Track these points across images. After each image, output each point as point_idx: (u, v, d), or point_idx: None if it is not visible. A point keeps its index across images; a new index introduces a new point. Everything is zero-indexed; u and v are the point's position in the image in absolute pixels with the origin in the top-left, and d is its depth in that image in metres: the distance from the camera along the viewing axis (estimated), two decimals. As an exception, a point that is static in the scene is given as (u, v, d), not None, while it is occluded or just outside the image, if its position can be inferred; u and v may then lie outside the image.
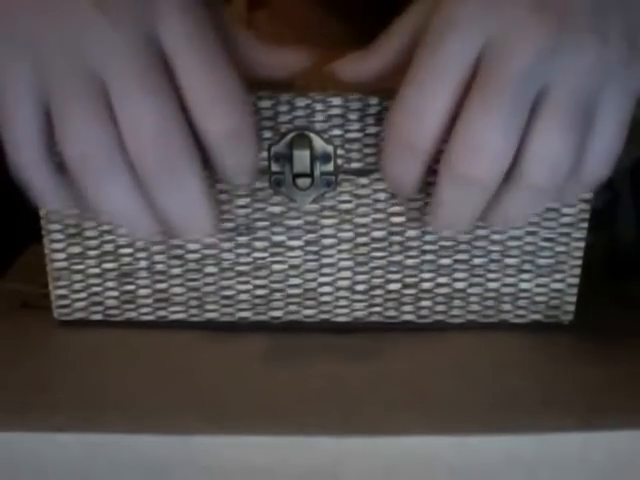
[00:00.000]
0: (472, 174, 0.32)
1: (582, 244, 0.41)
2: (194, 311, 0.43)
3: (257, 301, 0.42)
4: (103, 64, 0.32)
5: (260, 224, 0.41)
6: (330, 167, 0.40)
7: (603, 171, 0.34)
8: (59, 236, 0.41)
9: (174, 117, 0.32)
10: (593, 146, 0.33)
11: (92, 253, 0.42)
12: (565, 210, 0.41)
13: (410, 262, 0.42)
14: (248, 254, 0.42)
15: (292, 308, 0.43)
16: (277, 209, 0.41)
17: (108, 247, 0.41)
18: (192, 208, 0.34)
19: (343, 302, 0.43)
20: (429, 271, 0.42)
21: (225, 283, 0.42)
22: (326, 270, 0.42)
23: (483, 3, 0.32)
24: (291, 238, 0.41)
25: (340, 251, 0.41)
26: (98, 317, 0.43)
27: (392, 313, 0.43)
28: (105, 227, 0.41)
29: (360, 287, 0.42)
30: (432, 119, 0.33)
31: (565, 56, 0.32)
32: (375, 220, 0.41)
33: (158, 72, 0.32)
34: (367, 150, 0.39)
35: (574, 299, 0.43)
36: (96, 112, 0.32)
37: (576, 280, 0.42)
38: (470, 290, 0.42)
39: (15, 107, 0.33)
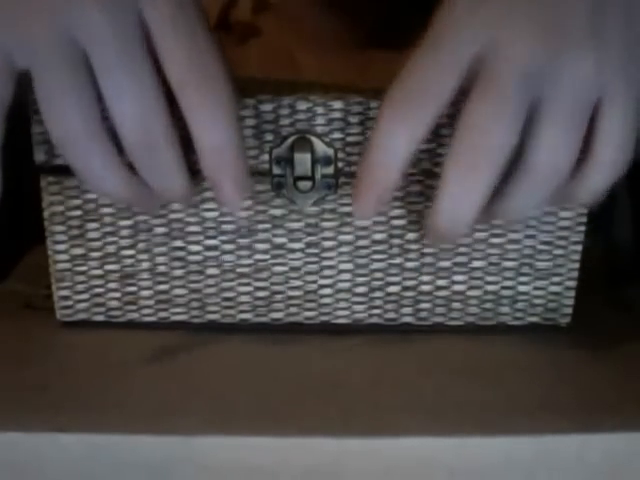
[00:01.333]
0: (478, 165, 0.32)
1: (580, 247, 0.42)
2: (195, 312, 0.43)
3: (258, 303, 0.43)
4: (86, 34, 0.32)
5: (261, 226, 0.41)
6: (331, 170, 0.40)
7: (609, 176, 0.34)
8: (62, 237, 0.41)
9: (153, 88, 0.33)
10: (597, 150, 0.33)
11: (94, 255, 0.42)
12: (563, 214, 0.41)
13: (410, 265, 0.42)
14: (249, 256, 0.42)
15: (293, 310, 0.43)
16: (278, 211, 0.41)
17: (110, 249, 0.42)
18: (168, 174, 0.34)
19: (343, 304, 0.43)
20: (428, 274, 0.42)
21: (226, 285, 0.42)
22: (326, 272, 0.42)
23: (477, 9, 0.33)
24: (292, 240, 0.42)
25: (340, 253, 0.42)
26: (100, 318, 0.43)
27: (391, 315, 0.43)
28: (108, 229, 0.41)
29: (360, 289, 0.43)
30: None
31: (564, 60, 0.32)
32: (375, 223, 0.41)
33: (140, 45, 0.33)
34: (368, 154, 0.40)
35: (572, 302, 0.43)
36: (77, 80, 0.33)
37: (574, 283, 0.43)
38: (469, 293, 0.43)
39: None
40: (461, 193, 0.33)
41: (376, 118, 0.34)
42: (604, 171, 0.33)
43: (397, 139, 0.33)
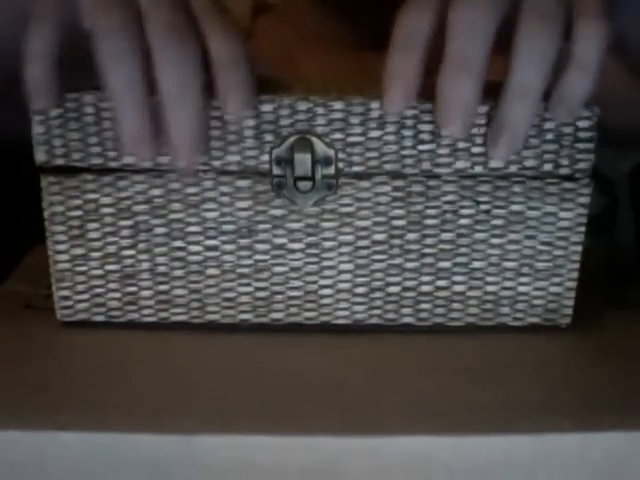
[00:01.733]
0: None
1: (580, 248, 0.42)
2: (195, 313, 0.43)
3: (258, 303, 0.43)
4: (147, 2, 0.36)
5: (261, 227, 0.41)
6: (331, 170, 0.40)
7: (588, 78, 0.35)
8: (62, 238, 0.42)
9: (194, 57, 0.36)
10: (574, 55, 0.35)
11: (95, 255, 0.42)
12: (563, 214, 0.41)
13: (410, 265, 0.42)
14: (249, 256, 0.42)
15: (293, 310, 0.43)
16: (278, 212, 0.41)
17: (111, 249, 0.42)
18: (191, 127, 0.36)
19: (343, 304, 0.43)
20: (428, 274, 0.42)
21: (226, 285, 0.42)
22: (327, 273, 0.42)
23: None
24: (292, 241, 0.42)
25: (340, 254, 0.42)
26: (100, 318, 0.43)
27: (392, 316, 0.43)
28: (108, 229, 0.41)
29: (360, 290, 0.43)
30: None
31: None
32: (375, 223, 0.41)
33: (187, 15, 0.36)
34: (368, 154, 0.40)
35: (572, 302, 0.43)
36: (133, 42, 0.36)
37: (574, 284, 0.43)
38: (469, 293, 0.43)
39: None
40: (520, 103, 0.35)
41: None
42: (583, 69, 0.35)
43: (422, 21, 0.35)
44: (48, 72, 0.37)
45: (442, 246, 0.42)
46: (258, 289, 0.43)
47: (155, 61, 0.36)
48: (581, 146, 0.40)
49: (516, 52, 0.35)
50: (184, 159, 0.37)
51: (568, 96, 0.36)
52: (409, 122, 0.39)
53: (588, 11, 0.35)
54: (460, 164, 0.40)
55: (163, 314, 0.43)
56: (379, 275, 0.42)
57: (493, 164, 0.40)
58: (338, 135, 0.40)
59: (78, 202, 0.41)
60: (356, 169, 0.40)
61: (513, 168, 0.40)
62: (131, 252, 0.42)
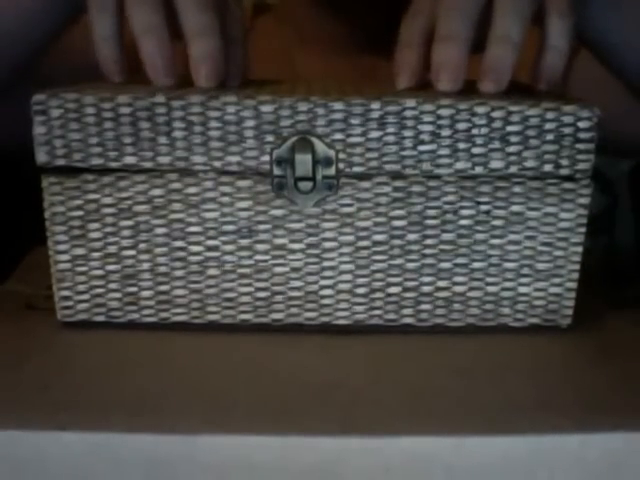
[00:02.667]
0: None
1: (580, 249, 0.42)
2: (196, 313, 0.43)
3: (258, 303, 0.43)
4: None
5: (262, 227, 0.41)
6: (332, 171, 0.40)
7: (560, 56, 0.42)
8: (63, 238, 0.42)
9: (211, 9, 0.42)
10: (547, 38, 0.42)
11: (95, 255, 0.42)
12: (563, 215, 0.41)
13: (410, 266, 0.42)
14: (250, 257, 0.42)
15: (293, 310, 0.43)
16: (279, 212, 0.41)
17: (111, 249, 0.42)
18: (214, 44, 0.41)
19: (344, 305, 0.43)
20: (429, 275, 0.42)
21: (227, 285, 0.42)
22: (327, 273, 0.42)
23: None
24: (293, 241, 0.42)
25: (341, 254, 0.42)
26: (101, 318, 0.43)
27: (392, 316, 0.43)
28: (109, 229, 0.41)
29: (361, 290, 0.43)
30: None
31: None
32: (376, 224, 0.41)
33: None
34: (368, 154, 0.40)
35: (572, 303, 0.43)
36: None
37: (574, 284, 0.43)
38: (469, 294, 0.43)
39: None
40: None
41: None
42: (559, 36, 0.42)
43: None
44: (117, 50, 0.44)
45: (442, 246, 0.42)
46: (258, 289, 0.43)
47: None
48: (581, 147, 0.40)
49: (497, 8, 0.41)
50: (210, 79, 0.42)
51: (546, 71, 0.43)
52: (409, 122, 0.39)
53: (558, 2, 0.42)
54: (460, 165, 0.40)
55: (163, 314, 0.43)
56: (379, 275, 0.42)
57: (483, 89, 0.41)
58: (339, 135, 0.40)
59: (79, 202, 0.41)
60: (357, 169, 0.40)
61: (513, 169, 0.40)
62: (132, 252, 0.42)
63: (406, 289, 0.43)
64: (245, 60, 0.45)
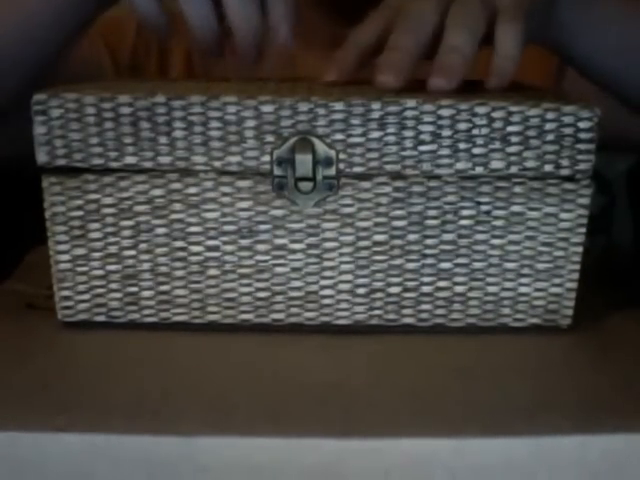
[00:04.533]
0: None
1: (580, 249, 0.42)
2: (196, 313, 0.43)
3: (259, 303, 0.43)
4: None
5: (262, 227, 0.41)
6: (332, 171, 0.40)
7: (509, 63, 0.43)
8: (64, 238, 0.42)
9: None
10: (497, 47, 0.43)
11: (96, 255, 0.42)
12: (563, 215, 0.41)
13: (411, 266, 0.42)
14: (250, 257, 0.42)
15: (293, 310, 0.43)
16: (279, 212, 0.41)
17: (112, 249, 0.42)
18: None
19: (344, 305, 0.43)
20: (429, 275, 0.42)
21: (227, 285, 0.42)
22: (327, 273, 0.42)
23: None
24: (293, 241, 0.42)
25: (341, 254, 0.42)
26: (101, 318, 0.43)
27: (392, 316, 0.43)
28: (109, 229, 0.41)
29: (361, 290, 0.43)
30: None
31: None
32: (376, 224, 0.41)
33: None
34: (369, 154, 0.40)
35: (572, 303, 0.43)
36: None
37: (574, 284, 0.43)
38: (470, 294, 0.43)
39: None
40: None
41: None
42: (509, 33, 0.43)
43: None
44: (156, 5, 0.46)
45: (443, 247, 0.42)
46: (259, 289, 0.43)
47: None
48: (582, 147, 0.40)
49: (448, 25, 0.43)
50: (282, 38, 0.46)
51: (497, 74, 0.43)
52: (410, 123, 0.39)
53: (507, 14, 0.43)
54: (461, 165, 0.40)
55: (164, 314, 0.43)
56: (380, 276, 0.42)
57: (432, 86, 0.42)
58: (339, 136, 0.40)
59: (79, 202, 0.41)
60: (357, 170, 0.40)
61: (514, 169, 0.40)
62: (132, 252, 0.42)
63: (406, 289, 0.43)
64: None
